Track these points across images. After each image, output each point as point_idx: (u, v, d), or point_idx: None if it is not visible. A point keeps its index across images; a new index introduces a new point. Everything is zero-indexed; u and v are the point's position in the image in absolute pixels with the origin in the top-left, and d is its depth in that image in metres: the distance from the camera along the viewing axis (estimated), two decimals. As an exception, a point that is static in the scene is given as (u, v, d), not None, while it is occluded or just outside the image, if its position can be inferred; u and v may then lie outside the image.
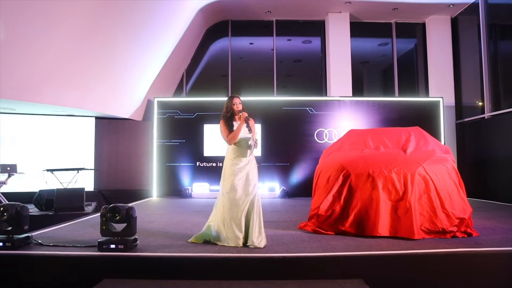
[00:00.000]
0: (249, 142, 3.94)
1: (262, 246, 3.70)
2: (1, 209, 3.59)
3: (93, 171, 9.34)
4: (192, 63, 11.26)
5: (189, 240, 3.99)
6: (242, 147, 3.96)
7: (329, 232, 4.37)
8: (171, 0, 8.54)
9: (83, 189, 7.45)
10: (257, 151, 9.25)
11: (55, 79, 7.01)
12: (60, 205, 6.99)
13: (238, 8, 10.20)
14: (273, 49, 10.97)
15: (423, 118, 9.29)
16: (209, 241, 3.91)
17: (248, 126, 4.01)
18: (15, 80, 6.36)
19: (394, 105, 9.66)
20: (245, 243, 3.75)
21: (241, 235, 3.75)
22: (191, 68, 11.30)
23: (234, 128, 3.97)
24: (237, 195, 3.83)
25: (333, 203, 4.45)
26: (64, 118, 9.24)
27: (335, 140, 8.81)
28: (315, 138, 9.56)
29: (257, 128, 9.24)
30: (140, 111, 9.99)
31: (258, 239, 3.73)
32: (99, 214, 3.59)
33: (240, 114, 4.01)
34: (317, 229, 4.47)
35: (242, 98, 4.16)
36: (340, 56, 10.39)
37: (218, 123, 4.05)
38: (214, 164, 9.45)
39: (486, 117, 8.92)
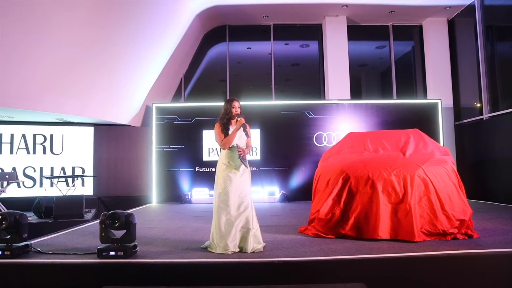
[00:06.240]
0: (240, 156, 3.83)
1: (262, 249, 3.71)
2: (0, 217, 3.57)
3: (92, 177, 9.33)
4: (190, 69, 11.28)
5: (201, 246, 3.97)
6: (235, 152, 3.90)
7: (329, 236, 4.37)
8: (168, 6, 8.56)
9: (82, 196, 7.42)
10: (257, 155, 9.28)
11: (55, 87, 7.01)
12: (59, 212, 6.96)
13: (235, 13, 10.22)
14: (270, 54, 10.99)
15: (422, 120, 9.29)
16: (205, 248, 3.89)
17: (245, 131, 3.97)
18: (15, 88, 6.36)
19: (393, 108, 9.67)
20: (241, 249, 3.72)
21: (230, 242, 3.69)
22: (189, 73, 11.31)
23: (230, 132, 3.94)
24: (230, 200, 3.78)
25: (333, 207, 4.45)
26: (63, 123, 9.22)
27: (334, 143, 8.81)
28: (314, 142, 9.56)
29: (256, 132, 9.24)
30: (139, 117, 9.99)
31: (253, 244, 3.72)
32: (99, 221, 3.59)
33: (238, 118, 3.96)
34: (317, 233, 4.46)
35: (241, 103, 4.13)
36: (337, 60, 10.40)
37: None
38: (213, 169, 9.29)
39: (484, 118, 8.93)
